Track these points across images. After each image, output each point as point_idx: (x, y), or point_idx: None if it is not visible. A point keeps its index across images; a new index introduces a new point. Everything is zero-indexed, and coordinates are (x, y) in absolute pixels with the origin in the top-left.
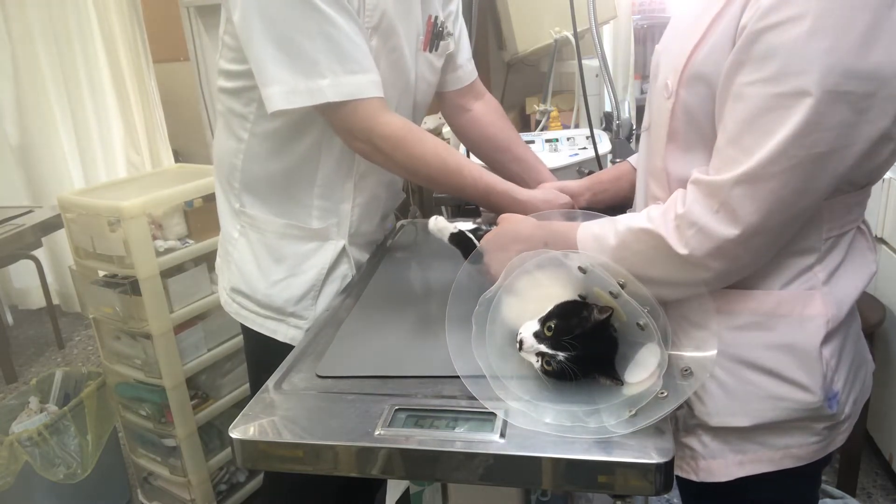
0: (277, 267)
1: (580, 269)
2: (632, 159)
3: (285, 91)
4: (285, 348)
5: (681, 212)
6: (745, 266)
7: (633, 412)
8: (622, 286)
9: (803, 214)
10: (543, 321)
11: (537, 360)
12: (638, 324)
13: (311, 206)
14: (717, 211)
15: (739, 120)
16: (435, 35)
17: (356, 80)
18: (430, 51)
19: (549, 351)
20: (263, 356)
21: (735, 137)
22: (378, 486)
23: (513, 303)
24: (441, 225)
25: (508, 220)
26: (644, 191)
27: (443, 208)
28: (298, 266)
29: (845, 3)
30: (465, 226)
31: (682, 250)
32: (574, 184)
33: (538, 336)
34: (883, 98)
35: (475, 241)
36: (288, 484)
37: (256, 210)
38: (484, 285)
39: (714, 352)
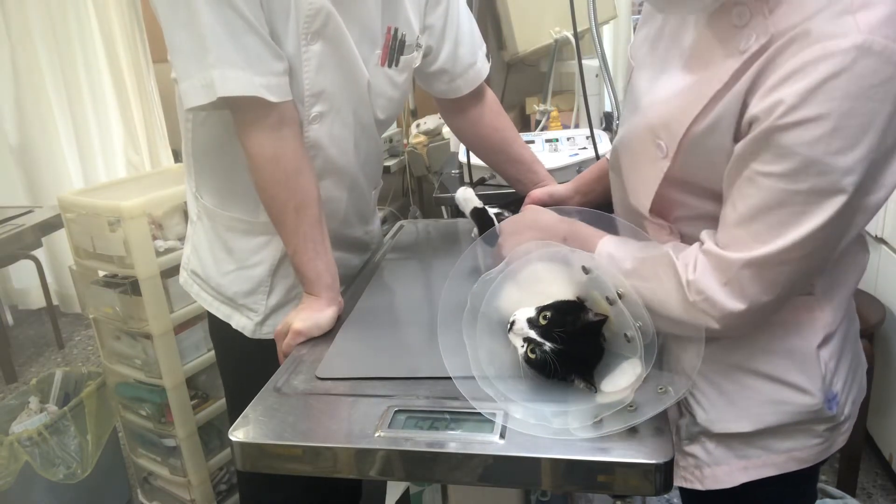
0: (228, 258)
1: (584, 268)
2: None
3: (194, 86)
4: (241, 334)
5: (692, 278)
6: (743, 332)
7: (599, 419)
8: (620, 296)
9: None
10: (540, 310)
11: (523, 346)
12: (625, 334)
13: (257, 198)
14: (725, 283)
15: (751, 206)
16: (395, 49)
17: (244, 76)
18: (390, 66)
19: (538, 339)
20: (224, 339)
21: (745, 221)
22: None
23: (511, 291)
24: (468, 195)
25: (532, 210)
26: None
27: (443, 208)
28: (246, 260)
29: (867, 103)
30: (492, 209)
31: (690, 298)
32: (562, 188)
33: (531, 322)
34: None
35: (495, 220)
36: None
37: (207, 199)
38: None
39: (692, 378)
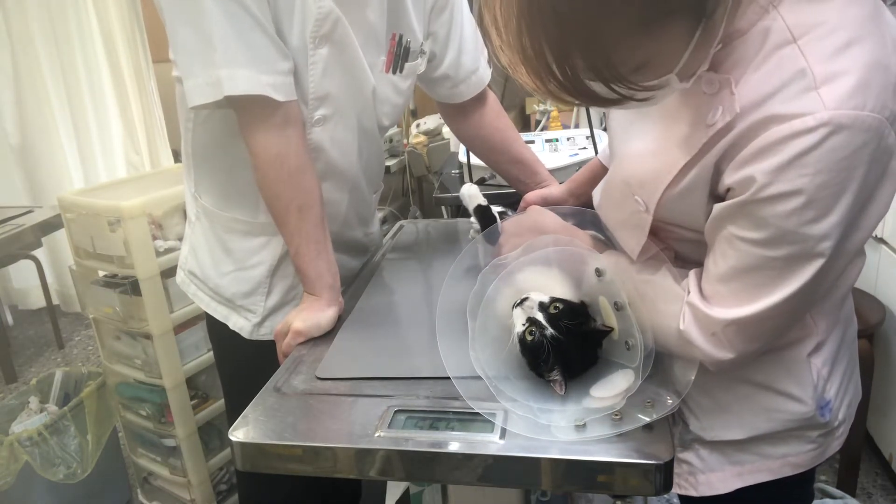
0: (227, 258)
1: (597, 270)
2: (602, 157)
3: (199, 85)
4: (239, 334)
5: (682, 328)
6: (737, 370)
7: (582, 423)
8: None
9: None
10: (553, 299)
11: (524, 325)
12: (626, 342)
13: (257, 198)
14: (711, 335)
15: (731, 266)
16: (399, 55)
17: (251, 75)
18: (394, 72)
19: (543, 322)
20: (222, 339)
21: (726, 279)
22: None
23: (510, 290)
24: (473, 192)
25: (536, 211)
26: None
27: (443, 208)
28: (246, 261)
29: (840, 174)
30: (496, 207)
31: (681, 343)
32: (556, 192)
33: (542, 306)
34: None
35: (498, 219)
36: None
37: (206, 199)
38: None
39: (678, 400)
